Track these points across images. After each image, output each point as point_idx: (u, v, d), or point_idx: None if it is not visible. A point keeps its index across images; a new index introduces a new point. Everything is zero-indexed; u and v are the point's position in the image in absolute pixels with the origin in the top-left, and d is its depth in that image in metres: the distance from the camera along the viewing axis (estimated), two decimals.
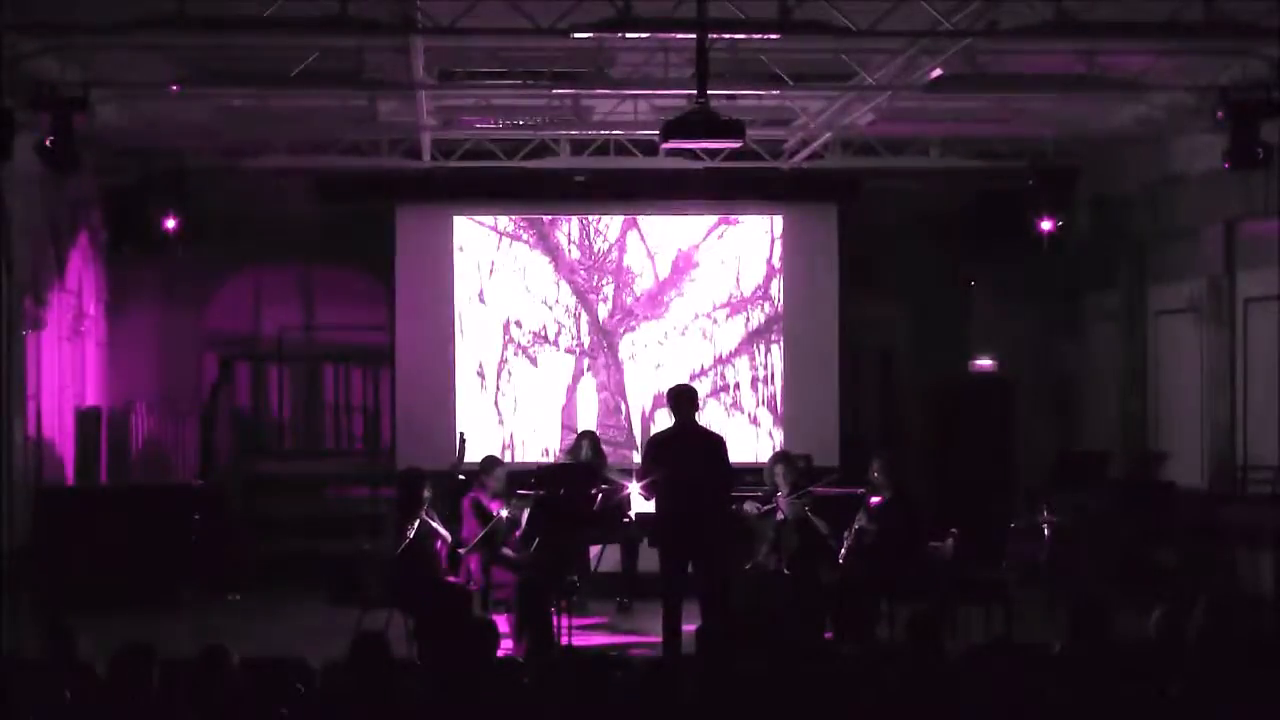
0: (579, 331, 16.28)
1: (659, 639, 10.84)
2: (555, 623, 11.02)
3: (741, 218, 16.47)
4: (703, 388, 15.86)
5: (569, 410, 16.03)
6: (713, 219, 16.43)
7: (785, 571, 11.36)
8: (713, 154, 15.60)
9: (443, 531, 11.56)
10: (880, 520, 11.15)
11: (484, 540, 11.65)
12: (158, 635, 7.25)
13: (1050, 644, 7.35)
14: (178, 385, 17.18)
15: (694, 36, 10.47)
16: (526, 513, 11.61)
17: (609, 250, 16.38)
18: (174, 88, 13.23)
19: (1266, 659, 6.61)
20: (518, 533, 11.72)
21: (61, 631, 7.03)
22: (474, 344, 16.11)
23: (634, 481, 11.26)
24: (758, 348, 16.42)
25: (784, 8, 10.86)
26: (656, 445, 11.10)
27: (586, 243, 16.38)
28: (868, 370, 17.38)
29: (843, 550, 11.13)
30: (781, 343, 16.39)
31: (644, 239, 16.37)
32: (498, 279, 16.19)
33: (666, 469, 10.77)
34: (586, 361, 16.24)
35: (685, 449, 10.88)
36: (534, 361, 16.13)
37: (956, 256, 17.16)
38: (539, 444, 16.01)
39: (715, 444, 11.02)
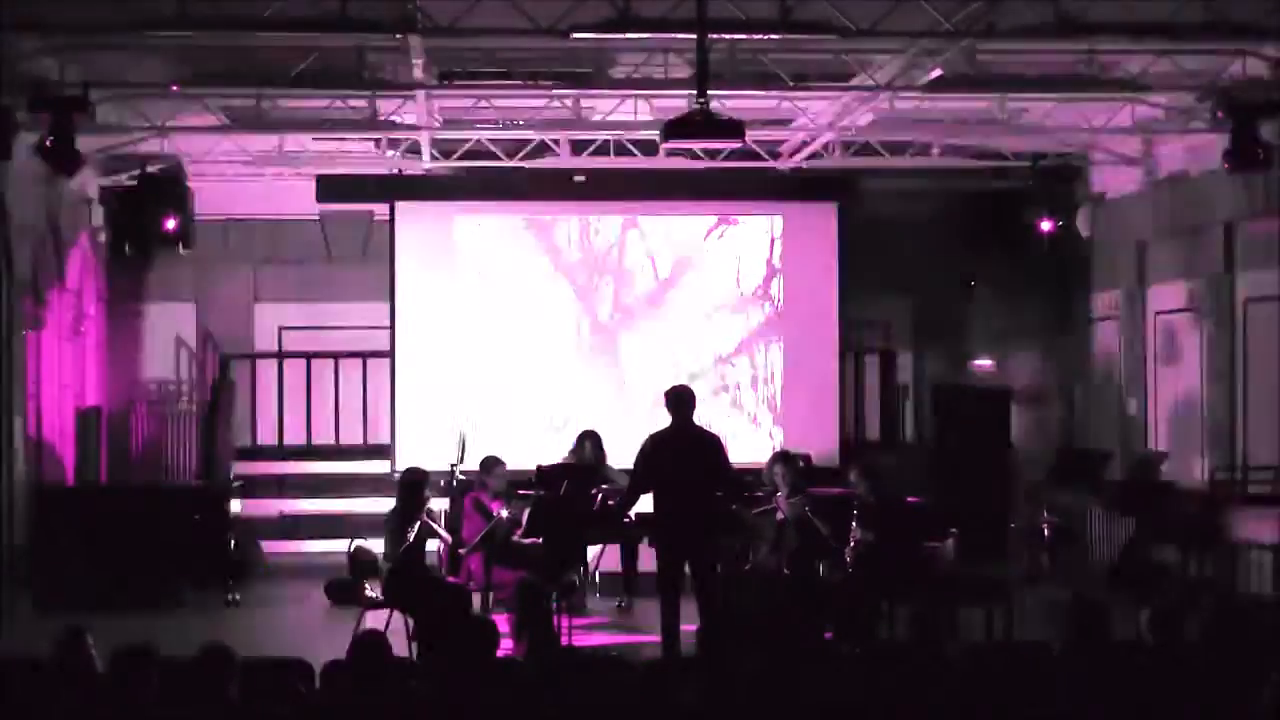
0: (579, 331, 16.27)
1: (659, 639, 10.85)
2: (555, 623, 11.02)
3: (741, 218, 16.46)
4: (703, 388, 15.84)
5: (569, 410, 16.01)
6: (713, 219, 16.43)
7: (785, 571, 11.36)
8: (713, 154, 15.61)
9: (442, 532, 11.56)
10: (872, 525, 11.15)
11: (484, 540, 11.65)
12: (158, 635, 7.24)
13: (1050, 644, 7.35)
14: (178, 385, 17.21)
15: (694, 36, 10.47)
16: (527, 513, 11.61)
17: (609, 250, 16.37)
18: (174, 88, 13.24)
19: (1267, 659, 6.61)
20: (518, 532, 11.72)
21: (74, 635, 6.99)
22: (474, 344, 16.10)
23: (628, 489, 11.26)
24: (758, 348, 16.41)
25: (784, 8, 10.87)
26: (653, 445, 11.11)
27: (586, 243, 16.37)
28: (868, 370, 17.39)
29: (849, 563, 11.13)
30: (781, 343, 16.39)
31: (644, 239, 16.37)
32: (498, 279, 16.18)
33: (658, 476, 10.79)
34: (587, 361, 16.23)
35: (682, 449, 10.88)
36: (534, 361, 16.11)
37: (956, 256, 17.16)
38: (539, 444, 15.98)
39: (712, 444, 11.02)
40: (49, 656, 6.91)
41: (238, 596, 14.05)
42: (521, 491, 12.43)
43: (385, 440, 16.26)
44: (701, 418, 11.22)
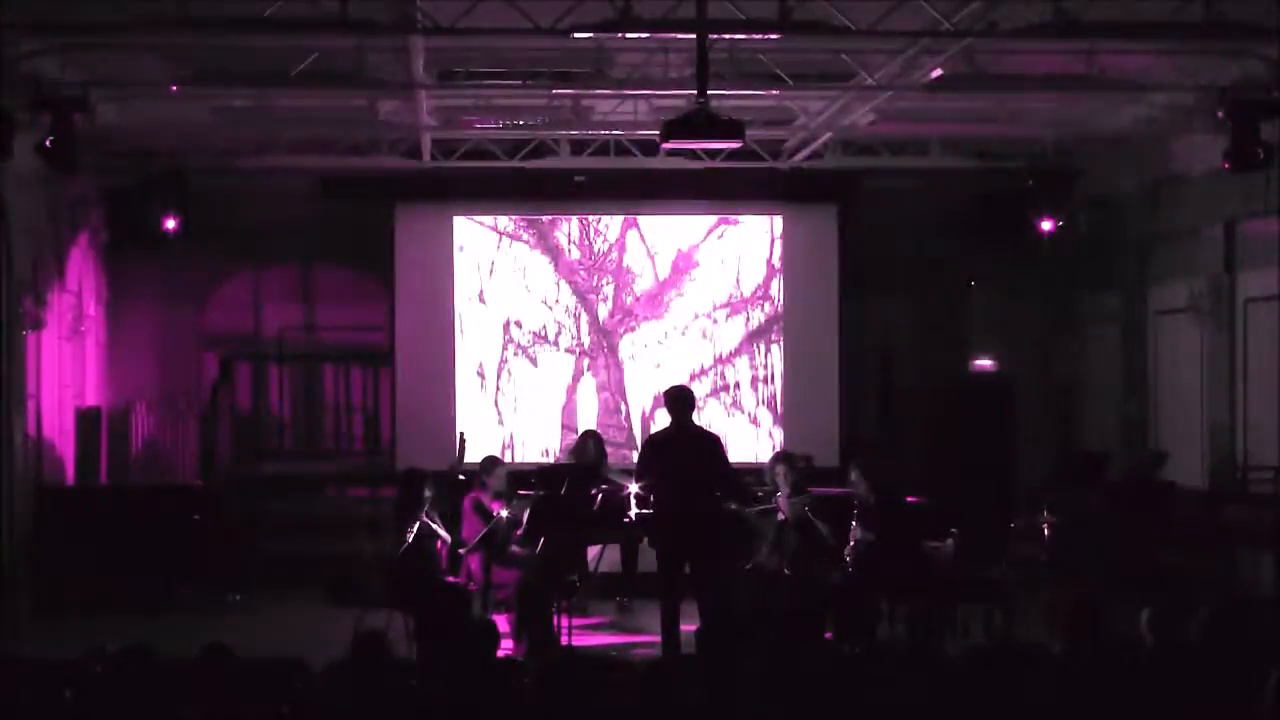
0: (579, 331, 16.27)
1: (659, 639, 10.85)
2: (555, 623, 11.03)
3: (741, 218, 16.47)
4: (702, 388, 15.87)
5: (569, 410, 16.03)
6: (713, 219, 16.43)
7: (785, 571, 11.37)
8: (713, 154, 15.60)
9: (442, 532, 11.56)
10: (872, 525, 11.15)
11: (484, 540, 11.65)
12: (158, 635, 7.24)
13: (1050, 644, 7.35)
14: (178, 385, 17.19)
15: (694, 36, 10.47)
16: (527, 513, 11.61)
17: (609, 250, 16.38)
18: (174, 88, 13.23)
19: (1267, 659, 6.61)
20: (518, 532, 11.72)
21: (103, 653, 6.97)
22: (474, 344, 16.11)
23: (634, 483, 11.28)
24: (758, 348, 16.42)
25: (784, 8, 10.86)
26: (653, 445, 11.12)
27: (586, 243, 16.38)
28: (868, 370, 17.37)
29: (848, 563, 11.13)
30: (781, 343, 16.39)
31: (644, 239, 16.37)
32: (498, 279, 16.19)
33: (658, 476, 10.80)
34: (586, 361, 16.24)
35: (682, 449, 10.90)
36: (534, 361, 16.13)
37: (956, 256, 17.16)
38: (539, 444, 16.00)
39: (711, 444, 11.03)
40: (109, 663, 6.88)
41: (238, 596, 14.05)
42: (522, 491, 12.44)
43: (385, 440, 16.26)
44: (701, 418, 11.23)
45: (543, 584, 11.20)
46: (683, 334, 16.30)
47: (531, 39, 11.52)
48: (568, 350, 16.23)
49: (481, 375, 16.08)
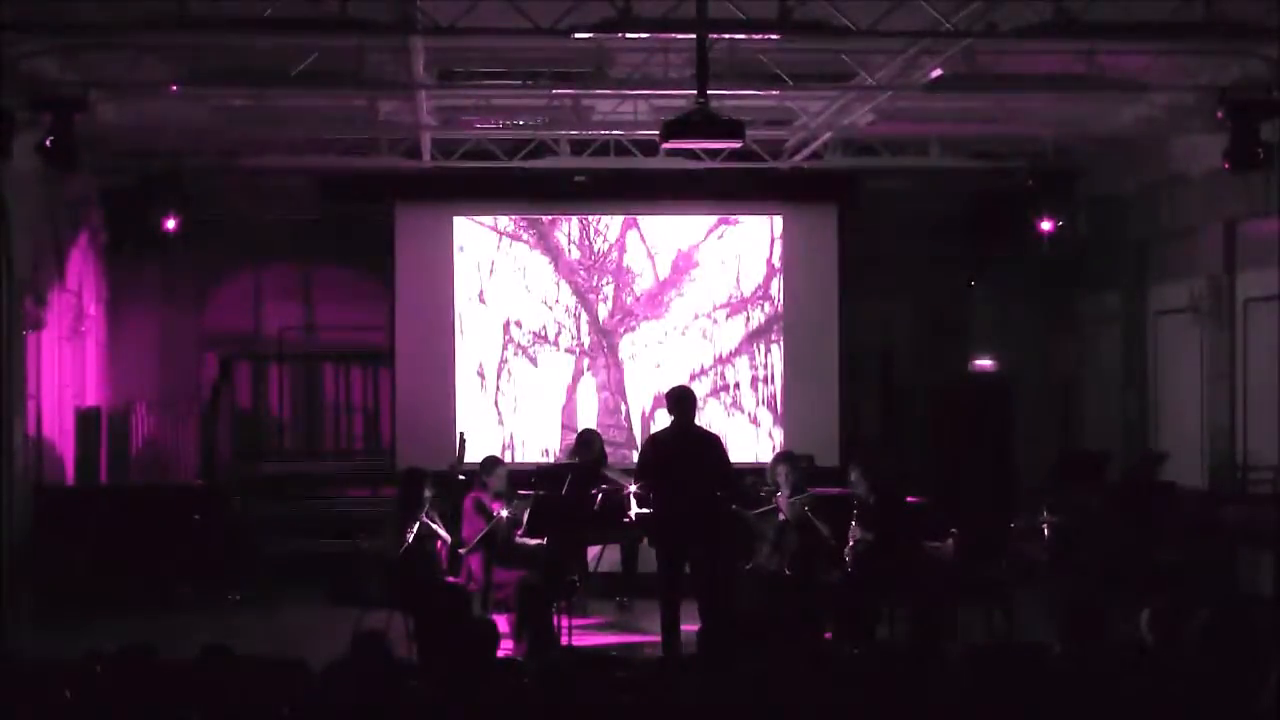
0: (579, 331, 16.27)
1: (659, 639, 10.86)
2: (555, 623, 11.03)
3: (741, 218, 16.46)
4: (702, 388, 15.86)
5: (569, 410, 16.03)
6: (713, 219, 16.43)
7: (786, 572, 11.37)
8: (713, 154, 15.60)
9: (442, 532, 11.56)
10: (872, 525, 11.14)
11: (484, 540, 11.65)
12: (158, 635, 7.24)
13: (1050, 644, 7.35)
14: (178, 385, 17.21)
15: (694, 36, 10.47)
16: (527, 513, 11.61)
17: (609, 250, 16.38)
18: (174, 88, 13.23)
19: (1267, 659, 6.61)
20: (519, 532, 11.72)
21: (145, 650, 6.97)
22: (474, 344, 16.11)
23: (634, 482, 11.29)
24: (758, 348, 16.41)
25: (784, 8, 10.85)
26: (654, 445, 11.12)
27: (586, 243, 16.37)
28: (868, 370, 17.38)
29: (847, 563, 11.13)
30: (781, 343, 16.39)
31: (644, 239, 16.37)
32: (498, 279, 16.19)
33: (658, 476, 10.80)
34: (586, 361, 16.24)
35: (683, 449, 10.90)
36: (534, 361, 16.12)
37: (956, 256, 17.16)
38: (539, 444, 16.00)
39: (712, 444, 11.03)
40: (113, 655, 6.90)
41: (238, 596, 14.05)
42: (522, 491, 12.44)
43: (385, 440, 16.26)
44: (701, 418, 11.23)
45: (543, 584, 11.20)
46: (683, 334, 16.30)
47: (531, 39, 11.51)
48: (568, 350, 16.23)
49: (481, 375, 16.07)
